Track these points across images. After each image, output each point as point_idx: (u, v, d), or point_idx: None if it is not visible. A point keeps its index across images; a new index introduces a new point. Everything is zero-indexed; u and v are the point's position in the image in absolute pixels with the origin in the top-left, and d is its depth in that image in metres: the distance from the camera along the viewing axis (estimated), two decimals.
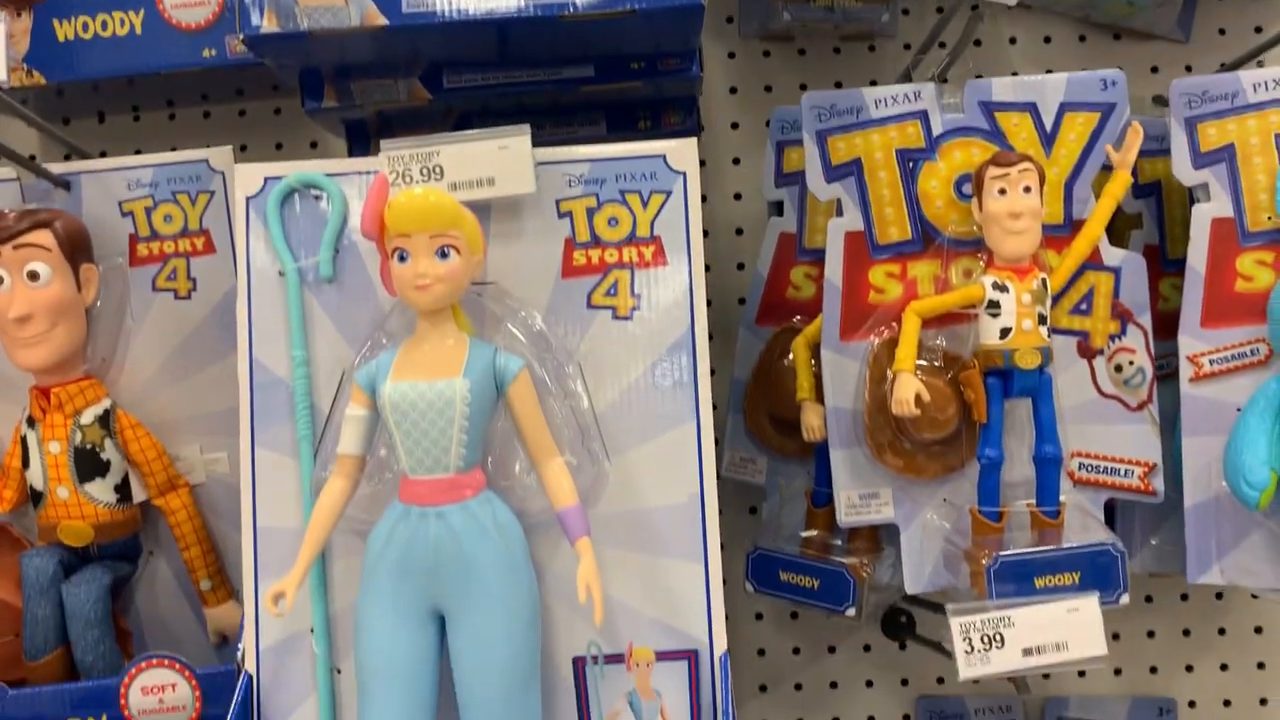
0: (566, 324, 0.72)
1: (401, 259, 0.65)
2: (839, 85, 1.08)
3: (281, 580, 0.65)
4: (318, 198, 0.74)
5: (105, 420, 0.85)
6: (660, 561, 0.70)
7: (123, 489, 0.86)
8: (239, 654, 0.77)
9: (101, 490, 0.84)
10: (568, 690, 0.70)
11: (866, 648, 1.08)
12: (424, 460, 0.64)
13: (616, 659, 0.70)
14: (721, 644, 0.70)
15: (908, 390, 0.76)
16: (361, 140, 0.98)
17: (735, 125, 1.08)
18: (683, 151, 0.73)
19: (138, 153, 0.90)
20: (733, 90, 1.08)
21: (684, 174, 0.72)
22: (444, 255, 0.65)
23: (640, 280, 0.72)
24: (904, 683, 1.09)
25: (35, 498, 0.85)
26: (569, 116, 0.95)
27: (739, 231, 1.07)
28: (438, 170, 0.70)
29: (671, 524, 0.70)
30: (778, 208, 0.95)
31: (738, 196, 1.07)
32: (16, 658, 0.83)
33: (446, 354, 0.65)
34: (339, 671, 0.71)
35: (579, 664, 0.70)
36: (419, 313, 0.67)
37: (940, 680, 1.08)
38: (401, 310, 0.71)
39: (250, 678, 0.71)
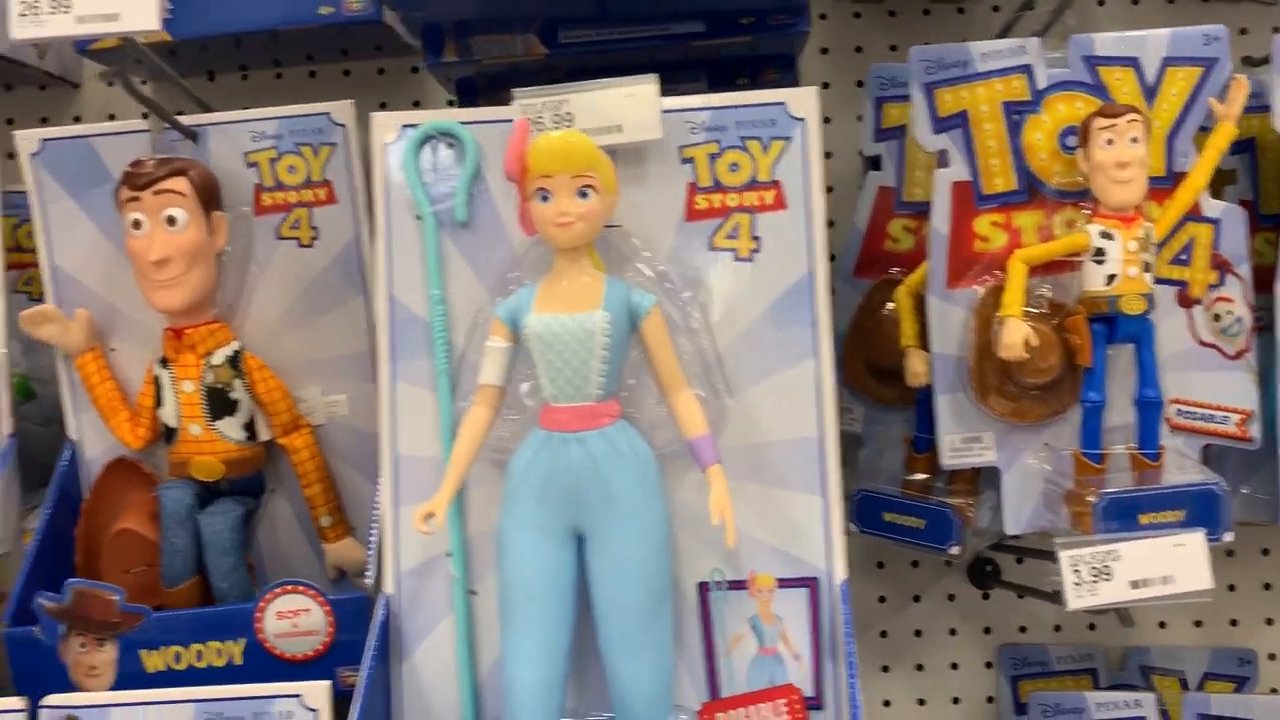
0: (689, 265, 0.75)
1: (544, 199, 0.68)
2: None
3: (430, 501, 0.69)
4: (451, 145, 0.77)
5: (234, 361, 0.89)
6: (779, 493, 0.73)
7: (250, 427, 0.90)
8: (369, 580, 0.81)
9: (231, 427, 0.88)
10: (692, 614, 0.73)
11: (951, 596, 1.11)
12: (565, 389, 0.67)
13: (739, 585, 0.73)
14: (840, 572, 0.73)
15: (1016, 335, 0.79)
16: (469, 99, 1.01)
17: (826, 85, 1.10)
18: (803, 99, 0.75)
19: None
20: (824, 50, 1.10)
21: (804, 120, 0.75)
22: (583, 195, 0.68)
23: (761, 224, 0.75)
24: (987, 631, 1.11)
25: (168, 434, 0.89)
26: (670, 74, 0.97)
27: (829, 189, 1.10)
28: (568, 117, 0.73)
29: (790, 457, 0.73)
30: (875, 162, 0.98)
31: (829, 155, 1.10)
32: (149, 586, 0.87)
33: (585, 289, 0.69)
34: (475, 594, 0.74)
35: (703, 589, 0.73)
36: (557, 251, 0.70)
37: (1023, 629, 1.11)
38: (536, 249, 0.74)
39: (389, 599, 0.75)
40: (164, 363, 0.89)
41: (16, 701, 0.75)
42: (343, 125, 0.91)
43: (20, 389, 0.98)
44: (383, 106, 1.12)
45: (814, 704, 0.72)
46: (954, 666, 1.11)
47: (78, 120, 1.11)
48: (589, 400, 0.68)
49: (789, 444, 0.73)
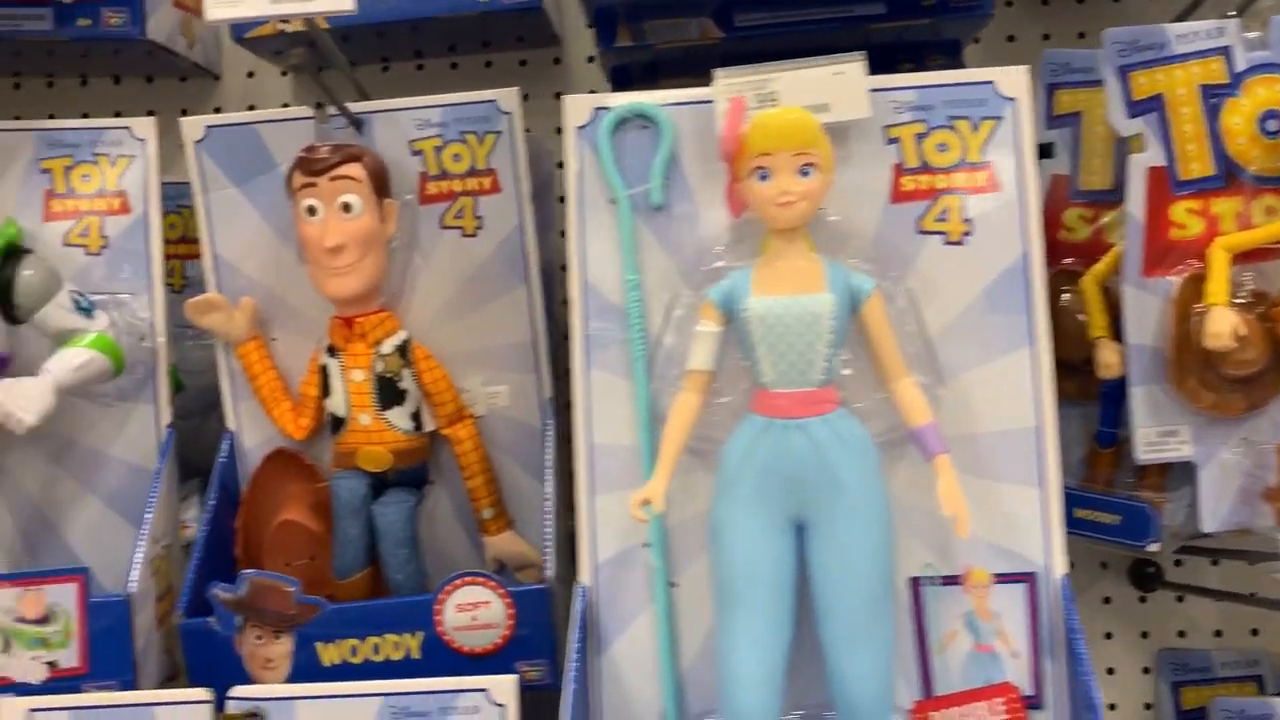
0: (896, 249, 0.73)
1: (763, 177, 0.66)
2: (1082, 36, 1.07)
3: (644, 489, 0.67)
4: (644, 128, 0.75)
5: (403, 350, 0.88)
6: (995, 485, 0.71)
7: (416, 418, 0.88)
8: (549, 573, 0.80)
9: (399, 417, 0.87)
10: (903, 610, 0.71)
11: (1107, 599, 1.08)
12: (788, 373, 0.65)
13: (952, 581, 0.70)
14: (1061, 567, 0.70)
15: (1224, 323, 0.76)
16: (623, 89, 1.00)
17: None
18: (1013, 78, 0.73)
19: None
20: (1010, 39, 1.08)
21: (1015, 100, 0.73)
22: (805, 173, 0.66)
23: (972, 206, 0.73)
24: (1144, 635, 1.08)
25: (335, 424, 0.88)
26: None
27: None
28: (772, 97, 0.71)
29: (1006, 448, 0.71)
30: (1046, 150, 0.95)
31: None
32: (313, 579, 0.86)
33: (805, 271, 0.67)
34: (675, 585, 0.72)
35: (915, 584, 0.70)
36: (772, 232, 0.68)
37: (1181, 634, 1.07)
38: (739, 232, 0.72)
39: (587, 591, 0.73)
40: (332, 351, 0.88)
41: (202, 692, 0.73)
42: (508, 113, 0.90)
43: (171, 381, 0.97)
44: (525, 99, 1.11)
45: (1033, 703, 0.69)
46: (1110, 671, 1.08)
47: (218, 112, 1.10)
48: (811, 385, 0.66)
49: (1005, 435, 0.71)
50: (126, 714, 0.73)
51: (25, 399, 0.77)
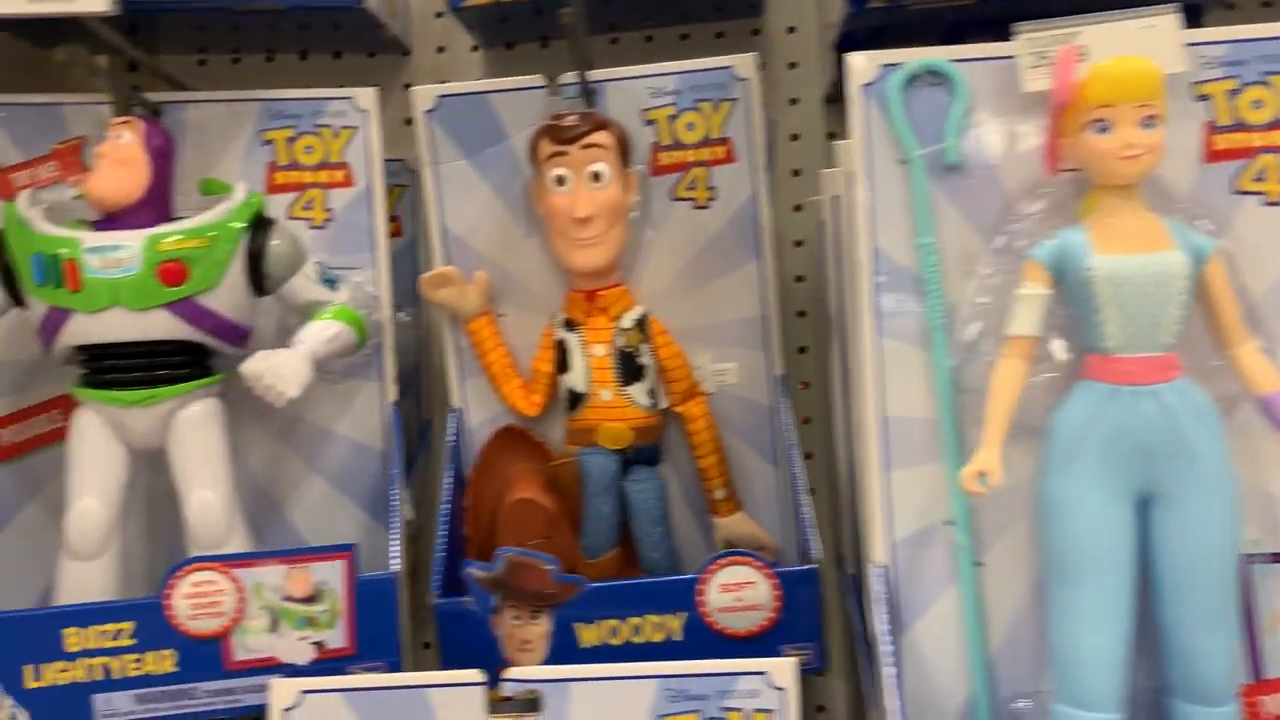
0: (1210, 210, 0.69)
1: (1102, 130, 0.63)
2: None
3: (978, 460, 0.64)
4: (934, 85, 0.72)
5: (642, 325, 0.85)
6: None
7: (654, 394, 0.86)
8: (816, 555, 0.77)
9: (640, 393, 0.84)
10: None
11: None
12: (1136, 337, 0.62)
13: None
14: None
15: None
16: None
17: None
18: None
19: None
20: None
21: None
22: (1148, 125, 0.63)
23: None
24: None
25: (573, 400, 0.85)
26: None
27: None
28: (1081, 52, 0.68)
29: None
30: None
31: None
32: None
33: (1148, 229, 0.63)
34: (980, 565, 0.69)
35: (1243, 561, 0.67)
36: (1101, 188, 0.65)
37: None
38: (1050, 189, 0.69)
39: (885, 571, 0.70)
40: (569, 326, 0.85)
41: (476, 674, 0.71)
42: (745, 79, 0.87)
43: None
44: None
45: None
46: None
47: (407, 88, 1.07)
48: (1160, 350, 0.62)
49: None
50: (399, 696, 0.71)
51: (286, 370, 0.74)
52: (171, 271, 0.73)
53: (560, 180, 0.81)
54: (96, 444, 0.75)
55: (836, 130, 1.08)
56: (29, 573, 0.85)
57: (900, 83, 0.72)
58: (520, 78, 0.88)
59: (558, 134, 0.81)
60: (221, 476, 0.77)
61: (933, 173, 0.72)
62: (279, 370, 0.74)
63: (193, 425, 0.76)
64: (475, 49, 1.10)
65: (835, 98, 1.06)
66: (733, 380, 0.89)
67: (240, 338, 0.79)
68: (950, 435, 0.70)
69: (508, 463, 0.90)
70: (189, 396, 0.77)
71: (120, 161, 0.75)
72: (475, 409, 0.90)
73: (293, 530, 0.88)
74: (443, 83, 1.07)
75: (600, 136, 0.81)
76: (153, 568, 0.82)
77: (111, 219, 0.76)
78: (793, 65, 1.07)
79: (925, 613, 0.70)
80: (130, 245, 0.73)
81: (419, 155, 0.88)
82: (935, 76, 0.72)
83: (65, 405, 0.85)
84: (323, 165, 0.90)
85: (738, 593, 0.77)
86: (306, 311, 0.81)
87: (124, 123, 0.75)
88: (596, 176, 0.81)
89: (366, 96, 0.90)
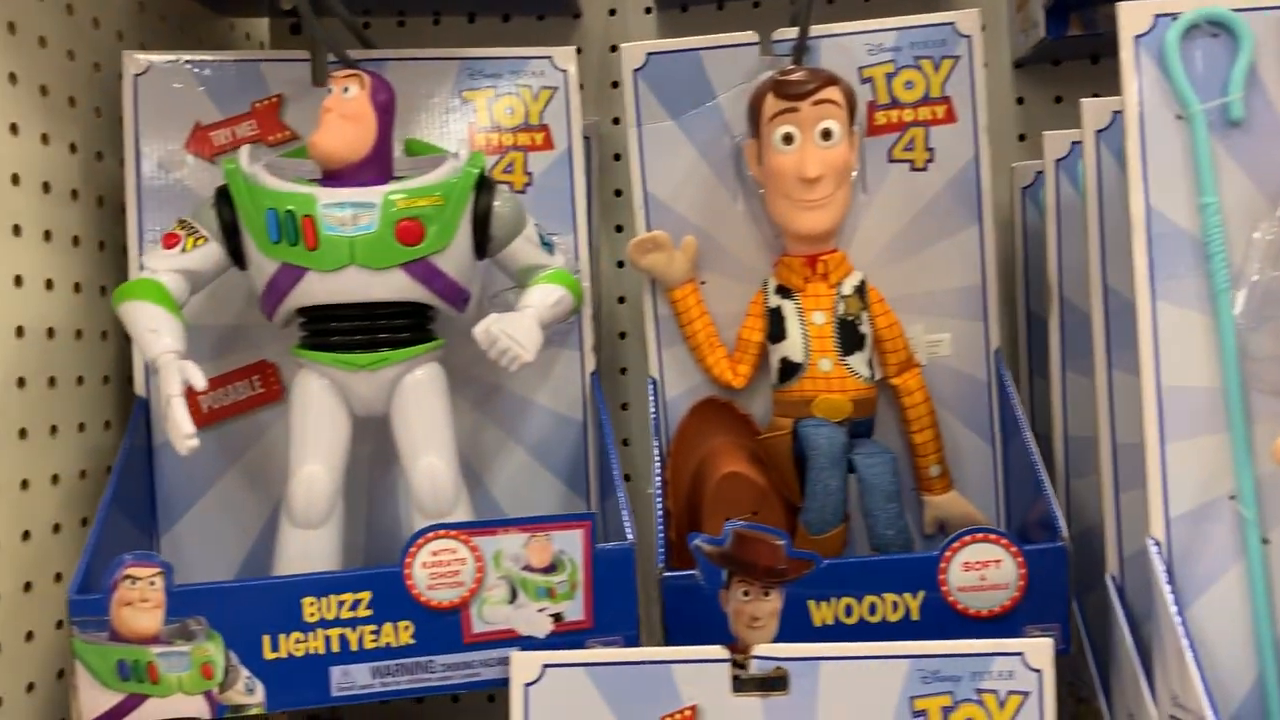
0: None
1: None
2: None
3: None
4: (1214, 35, 0.68)
5: (861, 292, 0.82)
6: None
7: (871, 365, 0.82)
8: (1062, 529, 0.73)
9: (860, 363, 0.81)
10: None
11: None
12: None
13: None
14: None
15: None
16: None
17: None
18: None
19: None
20: None
21: None
22: None
23: None
24: None
25: (787, 371, 0.82)
26: None
27: None
28: None
29: None
30: None
31: None
32: None
33: None
34: (1267, 542, 0.65)
35: None
36: None
37: None
38: None
39: (1159, 547, 0.66)
40: (784, 292, 0.82)
41: (719, 650, 0.68)
42: (968, 36, 0.84)
43: None
44: None
45: None
46: None
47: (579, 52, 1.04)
48: None
49: None
50: (642, 671, 0.68)
51: (522, 334, 0.72)
52: (409, 230, 0.71)
53: (788, 138, 0.78)
54: (322, 408, 0.73)
55: (1024, 95, 1.04)
56: (228, 541, 0.83)
57: (1178, 33, 0.68)
58: (732, 34, 0.85)
59: (787, 89, 0.77)
60: (447, 442, 0.75)
61: (1214, 129, 0.68)
62: (515, 333, 0.71)
63: (420, 390, 0.74)
64: (649, 11, 1.07)
65: (1026, 61, 1.02)
66: (946, 352, 0.86)
67: (464, 301, 0.76)
68: (1237, 405, 0.66)
69: (709, 435, 0.87)
70: (415, 361, 0.74)
71: (348, 116, 0.72)
72: (673, 379, 0.87)
73: (492, 501, 0.86)
74: (613, 47, 1.05)
75: (831, 92, 0.78)
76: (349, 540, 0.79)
77: (334, 176, 0.73)
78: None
79: (1206, 591, 0.66)
80: (369, 202, 0.70)
81: (625, 115, 0.85)
82: (1215, 27, 0.68)
83: (264, 371, 0.83)
84: (523, 127, 0.87)
85: (981, 571, 0.73)
86: (524, 276, 0.78)
87: (351, 75, 0.73)
88: (827, 134, 0.78)
89: (565, 55, 0.87)
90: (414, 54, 0.86)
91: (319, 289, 0.70)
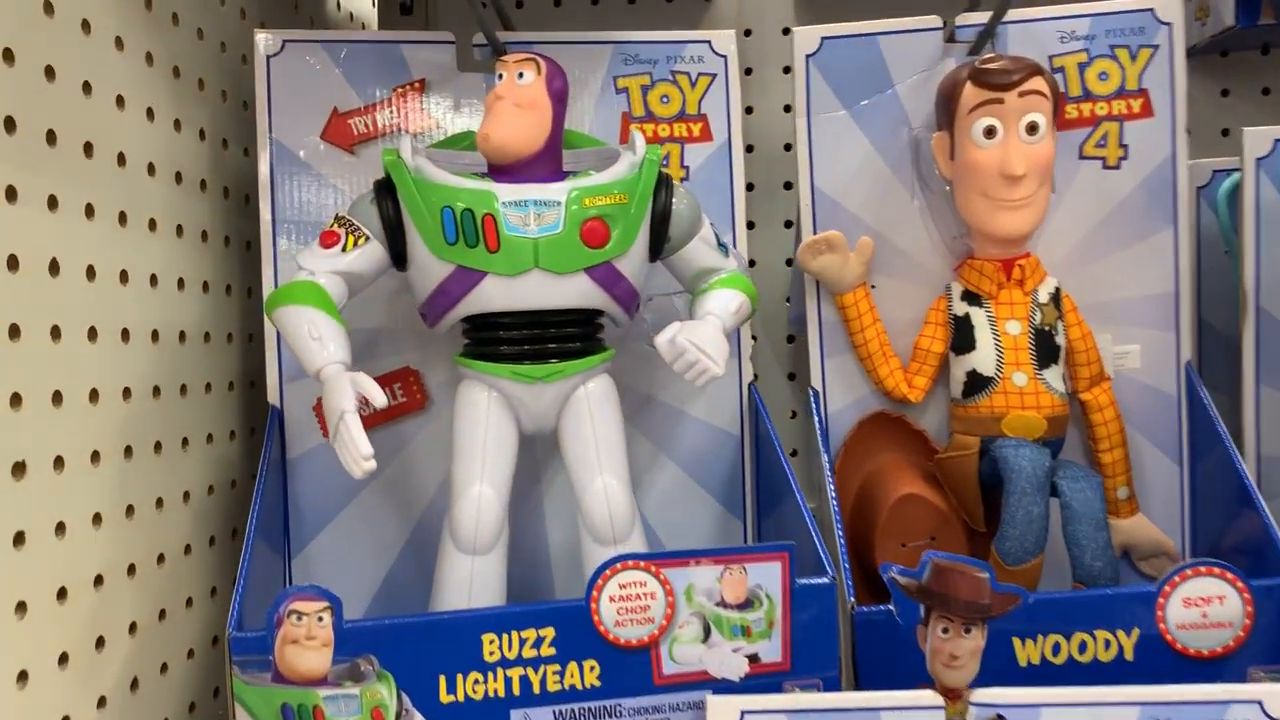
0: None
1: None
2: None
3: None
4: None
5: (1056, 300, 0.75)
6: None
7: (1064, 380, 0.76)
8: None
9: (1055, 378, 0.75)
10: None
11: None
12: None
13: None
14: None
15: None
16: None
17: None
18: None
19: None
20: None
21: None
22: None
23: None
24: None
25: (974, 385, 0.75)
26: None
27: None
28: None
29: None
30: None
31: None
32: None
33: None
34: None
35: None
36: None
37: None
38: None
39: None
40: (972, 299, 0.76)
41: (932, 696, 0.62)
42: (1168, 24, 0.77)
43: None
44: None
45: None
46: None
47: None
48: None
49: None
50: (848, 719, 0.62)
51: (713, 346, 0.65)
52: (595, 231, 0.64)
53: (989, 132, 0.71)
54: (491, 423, 0.66)
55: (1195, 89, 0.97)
56: (364, 563, 0.77)
57: None
58: (913, 18, 0.78)
59: (991, 79, 0.71)
60: (623, 462, 0.68)
61: None
62: (704, 344, 0.65)
63: (595, 404, 0.68)
64: None
65: (1196, 52, 0.96)
66: (1135, 364, 0.79)
67: (637, 307, 0.70)
68: None
69: (877, 452, 0.81)
70: (589, 373, 0.68)
71: (523, 105, 0.65)
72: (837, 392, 0.81)
73: (642, 520, 0.79)
74: (748, 32, 0.99)
75: (1038, 83, 0.71)
76: None
77: (505, 171, 0.66)
78: None
79: None
80: (552, 200, 0.64)
81: (795, 103, 0.79)
82: None
83: (406, 378, 0.77)
84: (679, 117, 0.80)
85: (1204, 608, 0.67)
86: (697, 280, 0.72)
87: (525, 59, 0.66)
88: (1033, 128, 0.71)
89: (725, 40, 0.81)
90: (565, 37, 0.79)
91: (497, 295, 0.64)
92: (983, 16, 0.78)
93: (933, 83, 0.77)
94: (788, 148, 0.99)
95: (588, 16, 1.00)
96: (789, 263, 0.99)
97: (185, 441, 0.71)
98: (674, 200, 0.69)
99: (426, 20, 0.80)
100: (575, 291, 0.64)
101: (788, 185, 1.00)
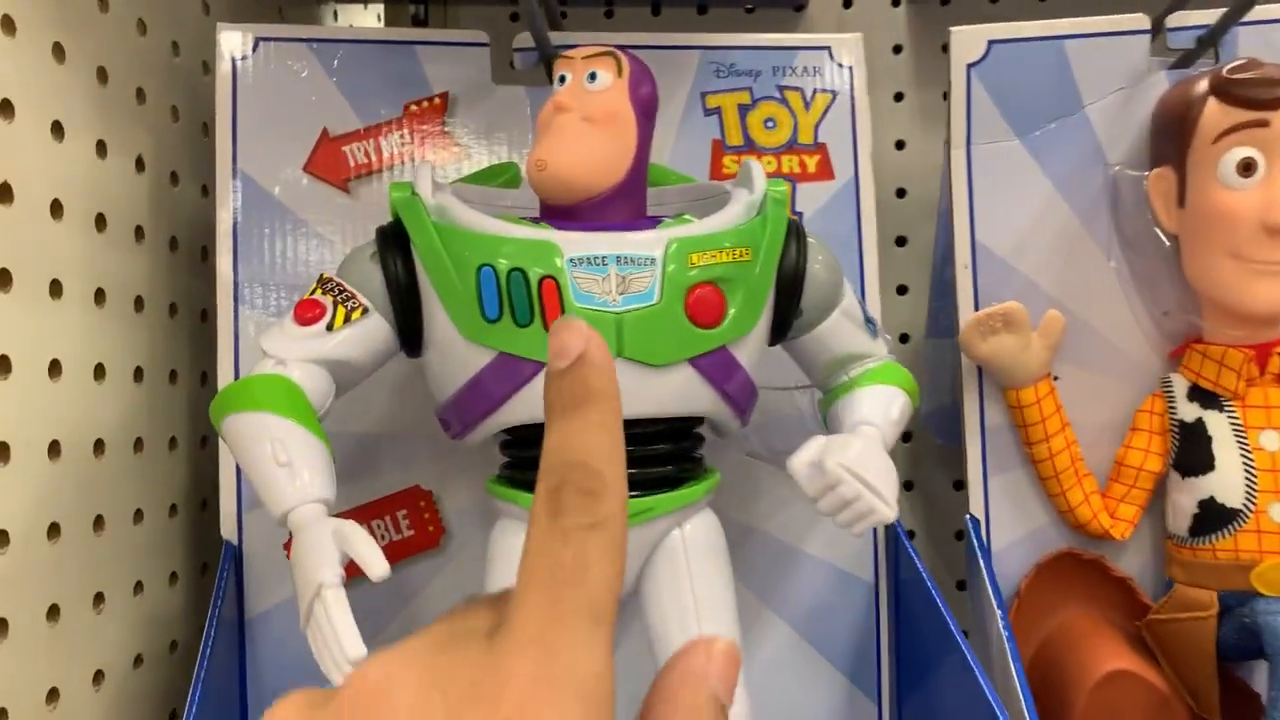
0: None
1: None
2: None
3: None
4: None
5: None
6: None
7: None
8: None
9: None
10: None
11: None
12: None
13: None
14: None
15: None
16: None
17: None
18: None
19: None
20: None
21: None
22: None
23: None
24: None
25: (1212, 519, 0.54)
26: None
27: None
28: None
29: None
30: None
31: None
32: None
33: None
34: None
35: None
36: None
37: None
38: None
39: None
40: (1207, 399, 0.54)
41: None
42: None
43: None
44: None
45: None
46: None
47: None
48: None
49: None
50: None
51: (880, 477, 0.43)
52: (707, 303, 0.43)
53: (1247, 167, 0.51)
54: None
55: None
56: None
57: None
58: (1109, 17, 0.58)
59: (1250, 92, 0.50)
60: (736, 637, 0.46)
61: None
62: (868, 474, 0.43)
63: (698, 556, 0.46)
64: (896, 2, 0.80)
65: None
66: None
67: (750, 411, 0.48)
68: None
69: (1064, 606, 0.59)
70: (689, 510, 0.46)
71: (597, 118, 0.45)
72: (1003, 521, 0.59)
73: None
74: None
75: None
76: None
77: (566, 214, 0.45)
78: None
79: None
80: (644, 256, 0.42)
81: (950, 129, 0.58)
82: None
83: (414, 504, 0.55)
84: (789, 147, 0.60)
85: None
86: (835, 370, 0.50)
87: (602, 54, 0.45)
88: None
89: (850, 46, 0.61)
90: (638, 40, 0.58)
91: None
92: (1204, 15, 0.57)
93: (1136, 102, 0.57)
94: (901, 193, 0.78)
95: (646, 29, 0.80)
96: (904, 339, 0.78)
97: (99, 598, 0.49)
98: (809, 258, 0.47)
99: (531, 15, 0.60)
100: (674, 391, 0.43)
101: (900, 241, 0.79)
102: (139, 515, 0.53)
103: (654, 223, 0.46)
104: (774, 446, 0.56)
